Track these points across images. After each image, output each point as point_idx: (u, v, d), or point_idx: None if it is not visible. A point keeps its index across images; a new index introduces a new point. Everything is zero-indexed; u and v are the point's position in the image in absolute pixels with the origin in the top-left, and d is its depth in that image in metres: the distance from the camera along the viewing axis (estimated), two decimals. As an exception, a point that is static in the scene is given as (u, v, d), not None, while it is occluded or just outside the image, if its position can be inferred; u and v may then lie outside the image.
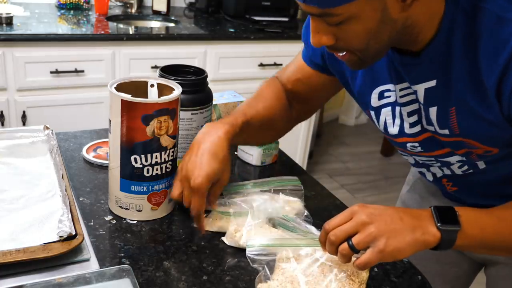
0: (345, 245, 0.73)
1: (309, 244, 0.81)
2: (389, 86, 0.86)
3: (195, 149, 0.88)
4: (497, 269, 1.05)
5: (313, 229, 0.85)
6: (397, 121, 0.88)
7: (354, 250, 0.72)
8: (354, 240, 0.72)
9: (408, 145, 0.90)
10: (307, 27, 0.98)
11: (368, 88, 0.90)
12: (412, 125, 0.86)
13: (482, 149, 0.81)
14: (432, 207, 0.76)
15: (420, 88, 0.80)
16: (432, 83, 0.78)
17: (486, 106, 0.73)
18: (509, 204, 0.79)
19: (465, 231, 0.74)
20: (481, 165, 0.86)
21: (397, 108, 0.87)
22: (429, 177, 0.99)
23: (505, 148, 0.81)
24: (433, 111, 0.80)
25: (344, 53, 0.76)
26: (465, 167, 0.88)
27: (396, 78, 0.84)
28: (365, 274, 0.78)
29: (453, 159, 0.87)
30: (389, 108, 0.88)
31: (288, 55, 2.64)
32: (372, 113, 0.91)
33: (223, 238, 0.90)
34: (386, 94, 0.88)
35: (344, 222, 0.74)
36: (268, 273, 0.78)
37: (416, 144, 0.88)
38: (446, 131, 0.81)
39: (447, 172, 0.93)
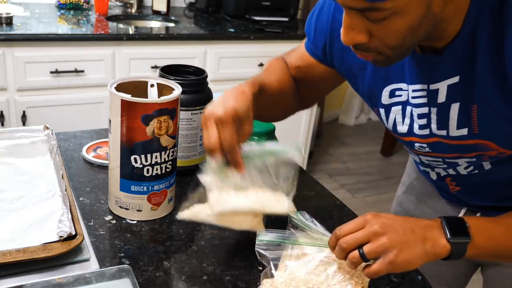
0: (355, 253, 0.72)
1: (318, 244, 0.80)
2: (402, 85, 0.85)
3: (217, 99, 0.84)
4: (494, 270, 1.05)
5: (321, 228, 0.84)
6: (407, 120, 0.87)
7: (364, 258, 0.72)
8: (366, 249, 0.72)
9: (416, 144, 0.89)
10: (311, 19, 0.98)
11: (379, 85, 0.88)
12: (421, 127, 0.86)
13: (496, 151, 0.80)
14: (442, 218, 0.75)
15: (443, 85, 0.78)
16: (456, 79, 0.76)
17: (509, 103, 0.72)
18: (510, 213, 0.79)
19: (475, 242, 0.74)
20: (487, 165, 0.86)
21: (408, 108, 0.86)
22: (433, 176, 0.98)
23: None
24: (454, 108, 0.78)
25: (368, 55, 0.73)
26: (471, 168, 0.88)
27: (410, 78, 0.83)
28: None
29: (461, 161, 0.87)
30: (400, 107, 0.87)
31: (288, 55, 2.65)
32: (382, 110, 0.90)
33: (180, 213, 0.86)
34: (397, 92, 0.86)
35: (356, 230, 0.74)
36: (274, 269, 0.78)
37: (425, 145, 0.87)
38: (465, 131, 0.79)
39: (452, 172, 0.92)
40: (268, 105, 0.95)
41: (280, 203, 0.84)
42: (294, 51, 1.06)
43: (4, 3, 2.38)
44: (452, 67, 0.76)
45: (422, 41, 0.74)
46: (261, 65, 2.57)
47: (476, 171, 0.88)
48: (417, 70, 0.81)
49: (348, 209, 1.05)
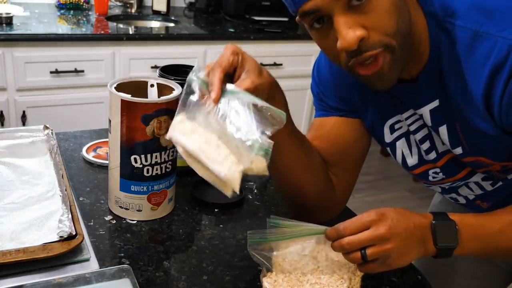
0: (357, 254, 0.71)
1: (310, 232, 0.77)
2: (398, 117, 0.86)
3: None
4: None
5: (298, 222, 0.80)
6: (414, 150, 0.87)
7: (365, 259, 0.71)
8: (369, 252, 0.70)
9: (430, 172, 0.88)
10: (314, 82, 0.95)
11: (379, 124, 0.89)
12: (427, 151, 0.86)
13: (498, 165, 0.80)
14: (432, 222, 0.74)
15: (425, 111, 0.80)
16: (436, 103, 0.78)
17: (483, 120, 0.73)
18: (509, 209, 0.79)
19: (463, 245, 0.74)
20: (510, 176, 0.86)
21: (411, 137, 0.87)
22: (461, 200, 0.96)
23: None
24: (443, 130, 0.80)
25: (377, 52, 0.69)
26: (492, 180, 0.87)
27: (401, 108, 0.84)
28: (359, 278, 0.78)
29: (476, 177, 0.87)
30: (403, 139, 0.88)
31: (288, 55, 2.65)
32: (388, 149, 0.91)
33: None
34: (396, 126, 0.87)
35: (361, 230, 0.71)
36: (271, 267, 0.78)
37: (438, 170, 0.87)
38: (460, 150, 0.80)
39: (478, 192, 0.90)
40: (294, 153, 0.86)
41: (226, 166, 0.70)
42: (308, 132, 0.96)
43: (4, 3, 2.38)
44: (429, 92, 0.78)
45: (406, 59, 0.73)
46: (261, 65, 2.57)
47: (501, 183, 0.87)
48: (402, 99, 0.82)
49: (348, 209, 1.05)
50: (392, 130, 0.88)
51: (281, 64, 2.63)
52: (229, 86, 0.72)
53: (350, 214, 1.02)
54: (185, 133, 0.73)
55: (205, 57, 2.43)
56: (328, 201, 0.92)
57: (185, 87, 0.74)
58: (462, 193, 0.94)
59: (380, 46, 0.69)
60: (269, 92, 0.76)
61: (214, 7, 2.86)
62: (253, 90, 0.71)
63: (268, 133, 0.70)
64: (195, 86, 0.73)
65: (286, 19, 2.88)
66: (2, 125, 2.10)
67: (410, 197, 3.06)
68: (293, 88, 2.76)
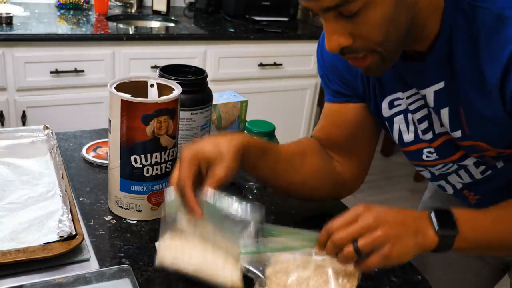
0: (350, 249, 0.71)
1: (303, 245, 0.78)
2: (398, 95, 0.86)
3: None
4: None
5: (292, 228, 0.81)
6: (411, 127, 0.88)
7: (358, 253, 0.71)
8: (360, 243, 0.70)
9: (425, 151, 0.89)
10: (319, 62, 0.96)
11: (378, 99, 0.89)
12: (424, 131, 0.86)
13: (494, 151, 0.80)
14: (430, 210, 0.75)
15: (429, 92, 0.79)
16: (441, 84, 0.77)
17: (491, 106, 0.73)
18: (505, 204, 0.79)
19: (463, 235, 0.74)
20: (500, 164, 0.86)
21: (409, 115, 0.87)
22: (449, 190, 0.97)
23: None
24: (444, 113, 0.79)
25: (362, 55, 0.72)
26: (483, 167, 0.87)
27: (403, 86, 0.84)
28: (355, 282, 0.77)
29: (469, 161, 0.87)
30: (401, 116, 0.88)
31: (288, 55, 2.65)
32: (386, 123, 0.91)
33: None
34: (396, 102, 0.87)
35: (349, 223, 0.72)
36: (264, 280, 0.76)
37: (432, 150, 0.87)
38: (459, 133, 0.80)
39: (467, 179, 0.91)
40: (282, 169, 0.89)
41: (228, 274, 0.75)
42: (320, 120, 1.00)
43: (4, 3, 2.38)
44: (436, 73, 0.77)
45: (405, 45, 0.74)
46: (261, 65, 2.57)
47: (490, 172, 0.88)
48: (406, 78, 0.82)
49: (348, 209, 1.05)
50: (391, 106, 0.87)
51: (281, 64, 2.63)
52: (205, 195, 0.74)
53: (350, 214, 1.02)
54: (177, 256, 0.77)
55: (205, 57, 2.43)
56: (339, 190, 0.99)
57: (164, 214, 0.77)
58: (451, 180, 0.94)
59: (364, 51, 0.70)
60: (240, 160, 0.78)
61: (214, 7, 2.86)
62: (228, 177, 0.75)
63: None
64: (175, 213, 0.77)
65: (286, 19, 2.88)
66: (2, 125, 2.10)
67: (410, 197, 3.06)
68: (293, 88, 2.77)
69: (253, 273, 0.77)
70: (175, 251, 0.77)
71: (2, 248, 0.76)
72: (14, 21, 2.12)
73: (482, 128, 0.77)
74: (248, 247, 0.76)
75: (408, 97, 0.84)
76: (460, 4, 0.72)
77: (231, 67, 2.52)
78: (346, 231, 0.71)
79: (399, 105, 0.87)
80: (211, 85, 1.11)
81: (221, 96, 1.35)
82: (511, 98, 0.70)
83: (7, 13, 2.07)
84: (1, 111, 2.08)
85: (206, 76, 1.08)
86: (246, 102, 1.36)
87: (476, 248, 0.79)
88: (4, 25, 2.05)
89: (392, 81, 0.85)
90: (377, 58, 0.72)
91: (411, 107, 0.85)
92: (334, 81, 0.94)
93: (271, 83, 2.63)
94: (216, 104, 1.29)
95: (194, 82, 1.05)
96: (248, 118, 1.29)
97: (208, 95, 1.08)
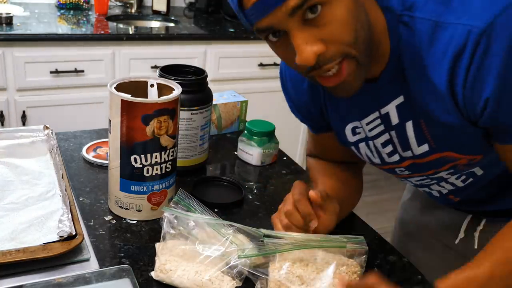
0: None
1: (299, 245, 0.78)
2: (356, 123, 0.87)
3: None
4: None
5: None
6: (375, 154, 0.89)
7: None
8: None
9: (396, 170, 0.90)
10: (286, 95, 0.96)
11: (340, 127, 0.90)
12: (389, 154, 0.86)
13: (465, 159, 0.80)
14: None
15: (391, 107, 0.79)
16: (401, 98, 0.78)
17: (448, 112, 0.73)
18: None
19: None
20: (478, 171, 0.86)
21: (370, 143, 0.87)
22: (436, 194, 0.97)
23: (488, 152, 0.79)
24: (409, 126, 0.79)
25: (339, 62, 0.69)
26: (464, 177, 0.88)
27: (359, 114, 0.84)
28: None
29: (442, 174, 0.87)
30: (364, 143, 0.89)
31: (288, 55, 2.65)
32: (353, 148, 0.92)
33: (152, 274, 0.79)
34: (357, 130, 0.88)
35: None
36: (266, 283, 0.76)
37: (403, 169, 0.88)
38: (426, 147, 0.80)
39: (450, 187, 0.91)
40: (350, 205, 1.00)
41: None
42: (309, 143, 1.08)
43: (4, 3, 2.38)
44: (392, 89, 0.77)
45: (370, 61, 0.73)
46: (261, 65, 2.57)
47: (472, 179, 0.88)
48: (363, 103, 0.82)
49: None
50: (354, 133, 0.89)
51: (281, 64, 2.63)
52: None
53: (351, 215, 1.02)
54: (171, 270, 0.78)
55: (205, 57, 2.43)
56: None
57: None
58: (435, 189, 0.95)
59: (339, 57, 0.68)
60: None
61: (214, 7, 2.86)
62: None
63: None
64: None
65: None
66: (2, 125, 2.10)
67: (410, 197, 3.05)
68: (293, 88, 2.76)
69: (253, 274, 0.77)
70: (168, 267, 0.78)
71: (2, 248, 0.76)
72: (14, 21, 2.12)
73: (445, 136, 0.77)
74: (246, 251, 0.76)
75: (367, 124, 0.84)
76: (400, 18, 0.72)
77: (231, 67, 2.52)
78: None
79: (360, 133, 0.88)
80: (211, 85, 1.11)
81: (221, 96, 1.35)
82: (463, 100, 0.70)
83: (7, 13, 2.07)
84: (1, 111, 2.08)
85: (206, 76, 1.08)
86: (246, 102, 1.36)
87: None
88: (4, 25, 2.05)
89: (349, 110, 0.86)
90: (353, 65, 0.69)
91: (371, 134, 0.85)
92: (305, 118, 0.97)
93: (271, 83, 2.63)
94: (216, 104, 1.29)
95: (194, 82, 1.05)
96: (248, 118, 1.29)
97: (208, 95, 1.08)
